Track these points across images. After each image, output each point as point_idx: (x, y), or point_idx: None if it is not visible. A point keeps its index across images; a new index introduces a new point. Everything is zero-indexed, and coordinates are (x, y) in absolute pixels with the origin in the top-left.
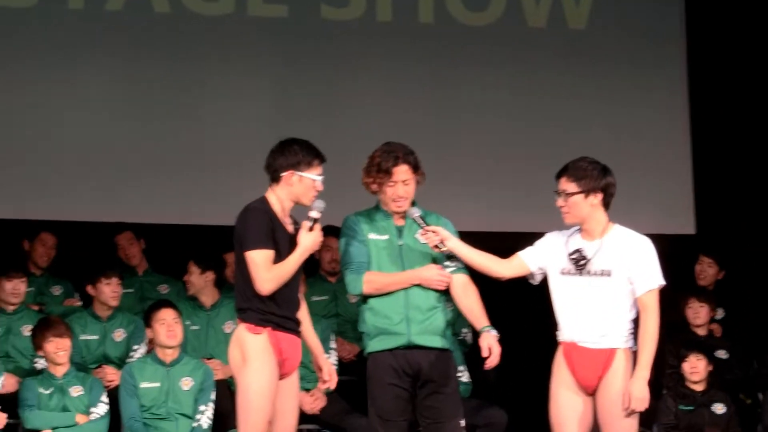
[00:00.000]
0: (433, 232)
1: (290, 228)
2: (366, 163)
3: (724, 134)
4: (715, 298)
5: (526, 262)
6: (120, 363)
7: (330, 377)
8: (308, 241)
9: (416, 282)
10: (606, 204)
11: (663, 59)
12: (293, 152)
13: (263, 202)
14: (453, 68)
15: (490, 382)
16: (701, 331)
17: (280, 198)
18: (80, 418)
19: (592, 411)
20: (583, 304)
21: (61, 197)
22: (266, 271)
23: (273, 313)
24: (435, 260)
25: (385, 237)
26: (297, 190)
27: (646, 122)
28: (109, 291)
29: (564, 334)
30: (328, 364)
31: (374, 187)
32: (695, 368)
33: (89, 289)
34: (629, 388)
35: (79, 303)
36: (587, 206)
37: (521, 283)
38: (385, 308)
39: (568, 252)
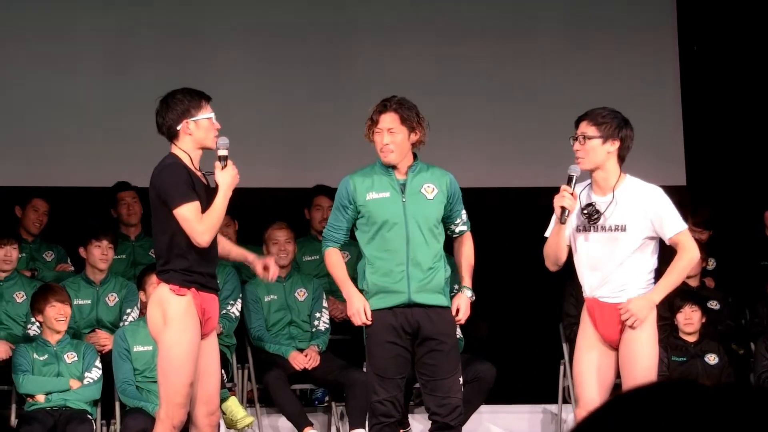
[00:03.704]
0: (572, 197)
1: (203, 179)
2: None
3: (714, 84)
4: (707, 249)
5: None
6: (113, 327)
7: (269, 268)
8: (227, 178)
9: (346, 298)
10: (621, 156)
11: (653, 10)
12: (178, 101)
13: (174, 158)
14: (458, 25)
15: (482, 337)
16: (693, 282)
17: (185, 151)
18: (74, 383)
19: (613, 366)
20: (600, 259)
21: (53, 163)
22: (199, 223)
23: (196, 272)
24: (435, 218)
25: (386, 194)
26: (198, 136)
27: (637, 73)
28: (99, 253)
29: (586, 290)
30: (256, 258)
31: (369, 138)
32: (690, 319)
33: (81, 251)
34: (629, 300)
35: (71, 268)
36: (603, 153)
37: (525, 242)
38: (386, 265)
39: (581, 207)
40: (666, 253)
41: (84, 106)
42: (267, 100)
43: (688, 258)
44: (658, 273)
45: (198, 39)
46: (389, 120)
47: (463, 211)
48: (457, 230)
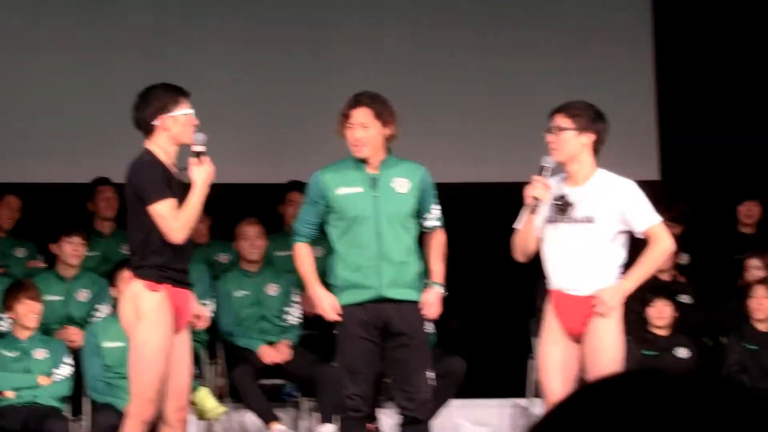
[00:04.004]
0: (544, 186)
1: (179, 175)
2: None
3: (688, 79)
4: (680, 243)
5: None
6: (83, 324)
7: (201, 318)
8: (202, 175)
9: (312, 296)
10: (595, 149)
11: (628, 3)
12: (156, 97)
13: (150, 154)
14: (433, 21)
15: (454, 332)
16: (665, 276)
17: (161, 147)
18: (42, 380)
19: (578, 359)
20: (568, 251)
21: (26, 160)
22: (174, 220)
23: (171, 268)
24: (407, 212)
25: (357, 189)
26: (175, 132)
27: (610, 67)
28: (71, 249)
29: (552, 282)
30: (196, 306)
31: (341, 134)
32: (661, 313)
33: (52, 247)
34: (601, 290)
35: (43, 265)
36: (577, 144)
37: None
38: (357, 260)
39: (553, 198)
40: (637, 248)
41: (57, 101)
42: (242, 95)
43: (662, 248)
44: (627, 268)
45: (175, 33)
46: (362, 115)
47: (436, 207)
48: (428, 225)
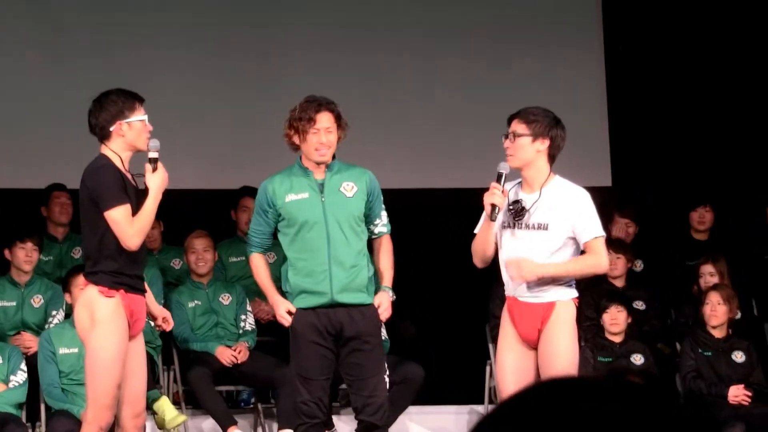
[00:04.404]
0: (501, 193)
1: (133, 181)
2: (288, 117)
3: (639, 86)
4: (632, 249)
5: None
6: (38, 329)
7: (166, 321)
8: (157, 181)
9: (272, 304)
10: (551, 156)
11: (579, 12)
12: (112, 103)
13: (106, 159)
14: (383, 20)
15: (409, 338)
16: (619, 283)
17: (116, 152)
18: None
19: (534, 365)
20: (521, 257)
21: None
22: (130, 227)
23: (125, 274)
24: (356, 216)
25: (304, 195)
26: (130, 138)
27: (563, 75)
28: (23, 255)
29: (507, 288)
30: (160, 309)
31: (296, 139)
32: (615, 320)
33: (6, 253)
34: (525, 260)
35: None
36: (533, 151)
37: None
38: (308, 266)
39: (508, 203)
40: None
41: (10, 106)
42: (194, 101)
43: (596, 262)
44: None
45: (124, 36)
46: (326, 119)
47: (383, 212)
48: (376, 231)
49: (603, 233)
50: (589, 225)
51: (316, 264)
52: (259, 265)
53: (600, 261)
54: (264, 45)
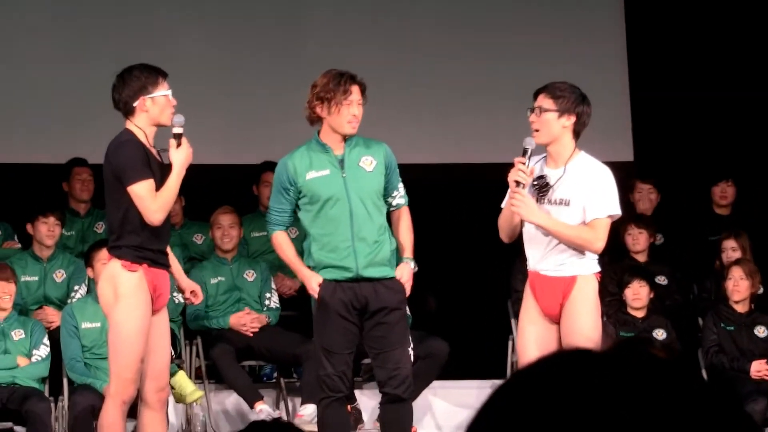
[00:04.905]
0: (527, 170)
1: (157, 156)
2: (316, 89)
3: (661, 60)
4: (654, 224)
5: None
6: (60, 304)
7: (195, 294)
8: (181, 157)
9: (301, 278)
10: (576, 132)
11: None
12: (135, 78)
13: (130, 134)
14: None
15: (431, 313)
16: (641, 257)
17: (140, 128)
18: (21, 361)
19: (556, 339)
20: (544, 232)
21: (1, 140)
22: (153, 202)
23: (148, 248)
24: (377, 191)
25: (325, 172)
26: (154, 113)
27: (586, 48)
28: (46, 230)
29: (529, 263)
30: (189, 282)
31: (321, 111)
32: (638, 294)
33: (29, 227)
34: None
35: (18, 246)
36: (558, 126)
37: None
38: (332, 241)
39: (532, 179)
40: (617, 233)
41: (33, 81)
42: (216, 75)
43: (591, 237)
44: (602, 254)
45: (148, 13)
46: (357, 92)
47: (401, 184)
48: (394, 203)
49: (612, 214)
50: (599, 203)
51: (340, 240)
52: (284, 241)
53: (594, 238)
54: (285, 14)
